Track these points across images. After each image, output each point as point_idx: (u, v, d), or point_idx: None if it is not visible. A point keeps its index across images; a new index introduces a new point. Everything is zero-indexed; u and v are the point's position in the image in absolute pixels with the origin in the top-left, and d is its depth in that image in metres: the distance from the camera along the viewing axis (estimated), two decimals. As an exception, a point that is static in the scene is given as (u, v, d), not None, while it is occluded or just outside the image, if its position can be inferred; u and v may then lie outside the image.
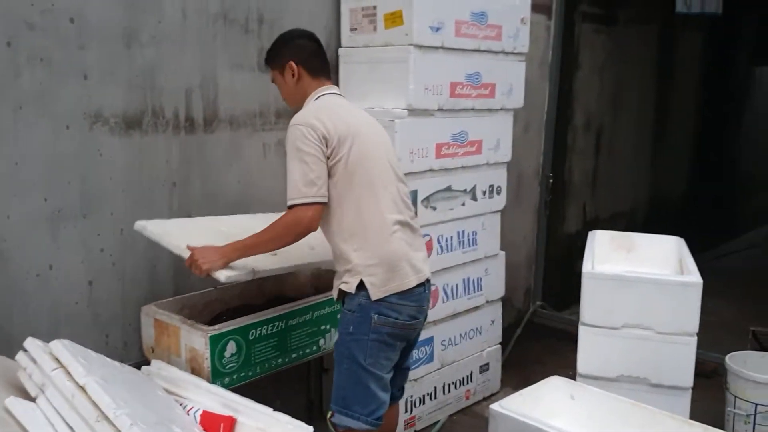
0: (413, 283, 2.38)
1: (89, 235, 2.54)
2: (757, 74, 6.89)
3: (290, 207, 2.27)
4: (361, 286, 2.32)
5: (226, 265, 2.34)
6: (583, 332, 2.85)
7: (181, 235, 2.49)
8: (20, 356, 1.93)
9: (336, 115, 2.34)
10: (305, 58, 2.45)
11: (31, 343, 1.92)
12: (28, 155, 2.35)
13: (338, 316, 2.48)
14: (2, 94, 2.27)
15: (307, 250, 2.66)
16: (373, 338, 2.33)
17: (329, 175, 2.30)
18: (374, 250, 2.32)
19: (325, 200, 2.28)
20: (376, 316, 2.32)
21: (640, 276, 2.83)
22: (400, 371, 2.57)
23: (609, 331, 2.80)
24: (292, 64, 2.43)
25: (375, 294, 2.31)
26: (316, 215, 2.27)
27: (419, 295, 2.41)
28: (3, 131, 2.28)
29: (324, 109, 2.36)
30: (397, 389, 2.59)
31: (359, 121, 2.42)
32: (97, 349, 2.43)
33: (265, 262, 2.48)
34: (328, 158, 2.29)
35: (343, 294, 2.38)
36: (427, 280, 2.45)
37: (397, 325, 2.36)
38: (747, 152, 7.54)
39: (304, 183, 2.25)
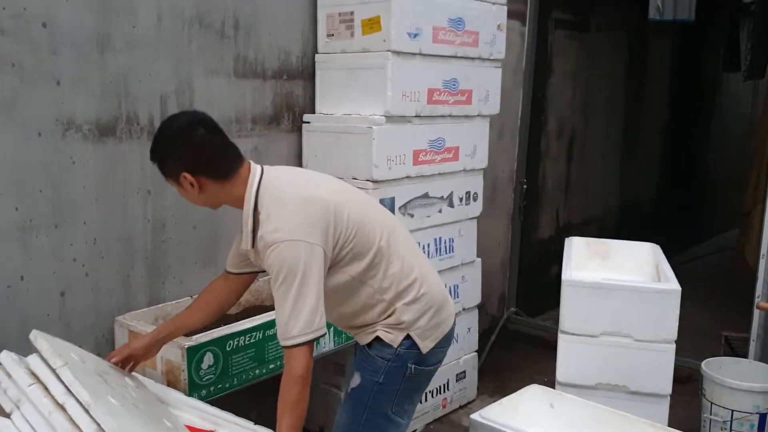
0: (451, 323, 2.18)
1: (61, 245, 2.48)
2: (726, 81, 7.00)
3: (292, 346, 1.88)
4: (406, 337, 2.06)
5: None
6: (562, 340, 2.85)
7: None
8: (-8, 370, 1.87)
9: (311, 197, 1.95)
10: (204, 163, 1.95)
11: (5, 357, 1.86)
12: (-2, 163, 2.28)
13: (359, 357, 2.17)
14: (-29, 100, 2.20)
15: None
16: (405, 387, 2.09)
17: (343, 263, 1.99)
18: (427, 300, 2.07)
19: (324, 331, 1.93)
20: (413, 366, 2.07)
21: (618, 283, 2.85)
22: None
23: (588, 338, 2.81)
24: (187, 175, 1.95)
25: (425, 347, 2.06)
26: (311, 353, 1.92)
27: (452, 332, 2.20)
28: (-28, 139, 2.22)
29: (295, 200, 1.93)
30: None
31: (324, 184, 2.09)
32: (69, 362, 2.37)
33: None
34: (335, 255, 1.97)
35: (376, 341, 2.09)
36: None
37: (432, 371, 2.16)
38: (716, 157, 7.67)
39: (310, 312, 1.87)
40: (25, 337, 2.39)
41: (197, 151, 1.96)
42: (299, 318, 1.85)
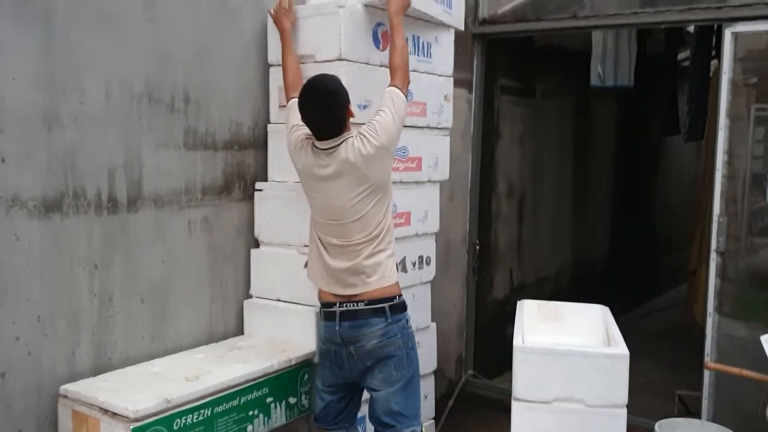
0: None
1: (3, 323, 2.41)
2: (671, 141, 7.26)
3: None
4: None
5: None
6: (515, 406, 2.85)
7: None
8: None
9: None
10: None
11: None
12: (-62, 243, 2.24)
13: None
14: None
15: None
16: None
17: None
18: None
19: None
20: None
21: (568, 349, 2.87)
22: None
23: (541, 405, 2.81)
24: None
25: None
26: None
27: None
28: None
29: None
30: None
31: None
32: (9, 446, 2.29)
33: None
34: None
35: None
36: None
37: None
38: (662, 215, 7.88)
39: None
40: (-38, 422, 2.32)
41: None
42: None
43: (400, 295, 2.72)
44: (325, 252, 2.71)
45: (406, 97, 2.77)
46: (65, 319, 2.59)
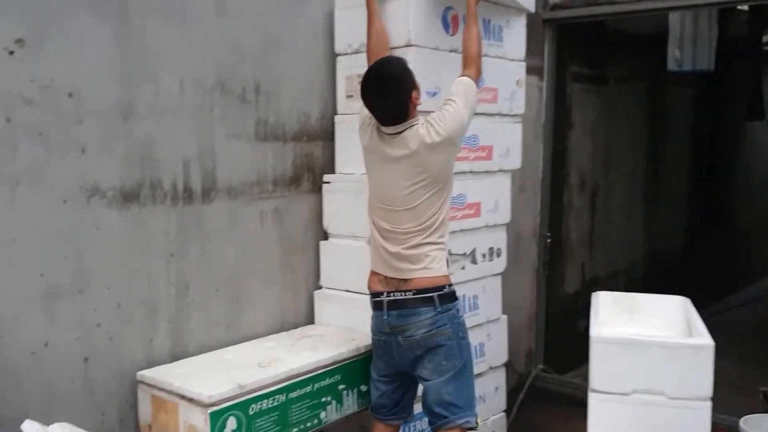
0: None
1: (85, 310, 2.49)
2: (750, 128, 6.97)
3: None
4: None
5: None
6: (592, 399, 2.77)
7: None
8: (16, 440, 1.86)
9: None
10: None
11: (29, 426, 1.85)
12: (25, 231, 2.31)
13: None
14: (0, 169, 2.24)
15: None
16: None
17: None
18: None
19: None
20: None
21: (648, 339, 2.77)
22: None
23: (619, 397, 2.73)
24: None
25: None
26: None
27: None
28: (0, 207, 2.25)
29: None
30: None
31: None
32: (92, 427, 2.36)
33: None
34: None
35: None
36: None
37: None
38: (742, 205, 7.57)
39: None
40: (50, 404, 2.40)
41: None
42: None
43: (450, 285, 2.65)
44: (377, 234, 2.69)
45: (476, 88, 2.72)
46: (143, 307, 2.65)
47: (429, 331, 2.58)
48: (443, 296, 2.60)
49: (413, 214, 2.59)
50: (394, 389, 2.76)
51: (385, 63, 2.61)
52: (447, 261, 2.70)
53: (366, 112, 2.67)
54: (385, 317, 2.63)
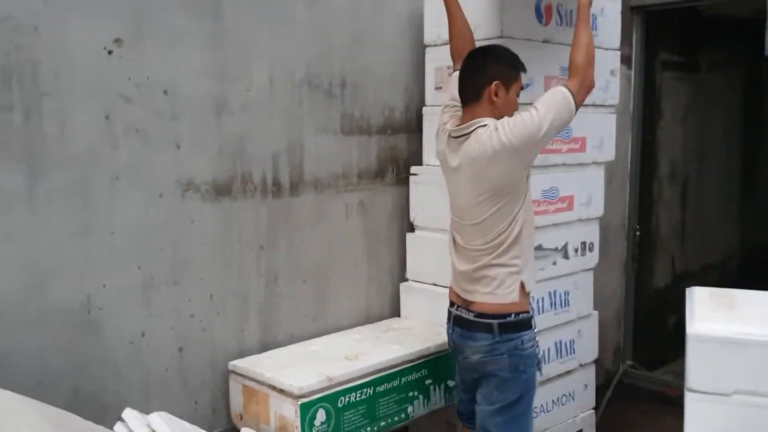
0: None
1: (180, 301, 2.56)
2: None
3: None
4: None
5: None
6: (689, 398, 2.66)
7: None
8: (118, 427, 1.93)
9: None
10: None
11: (129, 414, 1.92)
12: (124, 224, 2.40)
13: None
14: (101, 165, 2.33)
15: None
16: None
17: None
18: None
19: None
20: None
21: (752, 338, 2.63)
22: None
23: (719, 397, 2.61)
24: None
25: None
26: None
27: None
28: (101, 202, 2.34)
29: None
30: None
31: None
32: (186, 416, 2.43)
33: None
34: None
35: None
36: None
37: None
38: None
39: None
40: (146, 392, 2.49)
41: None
42: None
43: (518, 313, 2.41)
44: (452, 248, 2.55)
45: (578, 103, 2.34)
46: (235, 298, 2.71)
47: (484, 358, 2.42)
48: (505, 325, 2.40)
49: (480, 230, 2.39)
50: (471, 399, 2.57)
51: (493, 45, 2.55)
52: (523, 284, 2.42)
53: (442, 116, 2.56)
54: (451, 331, 2.55)
